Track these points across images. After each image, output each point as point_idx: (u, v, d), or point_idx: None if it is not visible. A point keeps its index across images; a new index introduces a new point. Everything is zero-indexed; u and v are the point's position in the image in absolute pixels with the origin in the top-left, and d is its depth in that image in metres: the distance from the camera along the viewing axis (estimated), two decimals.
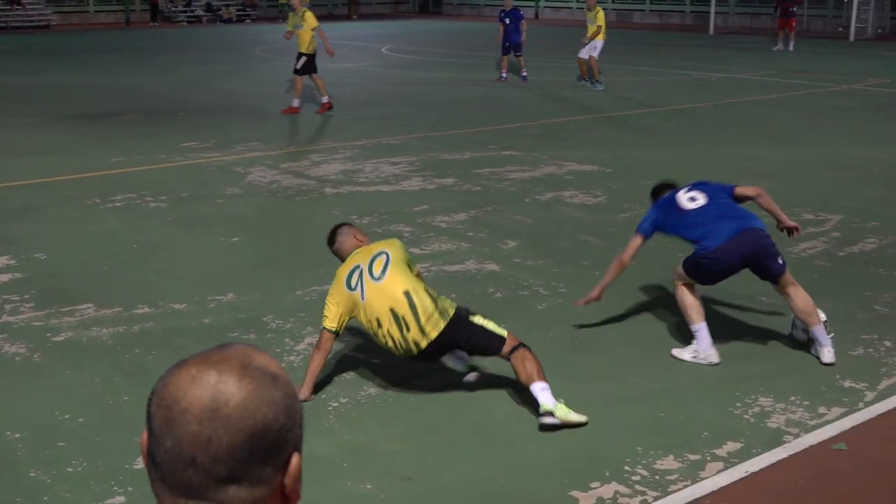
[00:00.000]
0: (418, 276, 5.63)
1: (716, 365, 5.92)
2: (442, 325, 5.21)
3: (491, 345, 5.24)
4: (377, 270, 5.30)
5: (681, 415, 5.27)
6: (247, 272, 7.78)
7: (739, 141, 13.84)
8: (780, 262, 5.93)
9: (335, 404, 5.42)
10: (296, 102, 16.37)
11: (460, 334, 5.25)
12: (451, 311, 5.29)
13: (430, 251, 8.29)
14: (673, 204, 6.23)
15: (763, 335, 6.46)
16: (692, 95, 18.81)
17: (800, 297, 5.94)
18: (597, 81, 19.64)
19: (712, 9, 38.33)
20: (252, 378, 1.20)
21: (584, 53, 19.98)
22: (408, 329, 5.19)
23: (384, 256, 5.36)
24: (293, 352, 6.13)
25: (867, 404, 5.41)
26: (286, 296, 7.17)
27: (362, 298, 5.27)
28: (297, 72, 16.38)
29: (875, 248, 8.42)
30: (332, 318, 5.34)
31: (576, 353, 6.14)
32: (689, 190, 6.27)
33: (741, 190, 6.32)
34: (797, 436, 5.03)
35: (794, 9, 29.09)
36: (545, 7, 51.68)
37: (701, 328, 6.00)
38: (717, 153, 12.85)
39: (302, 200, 10.29)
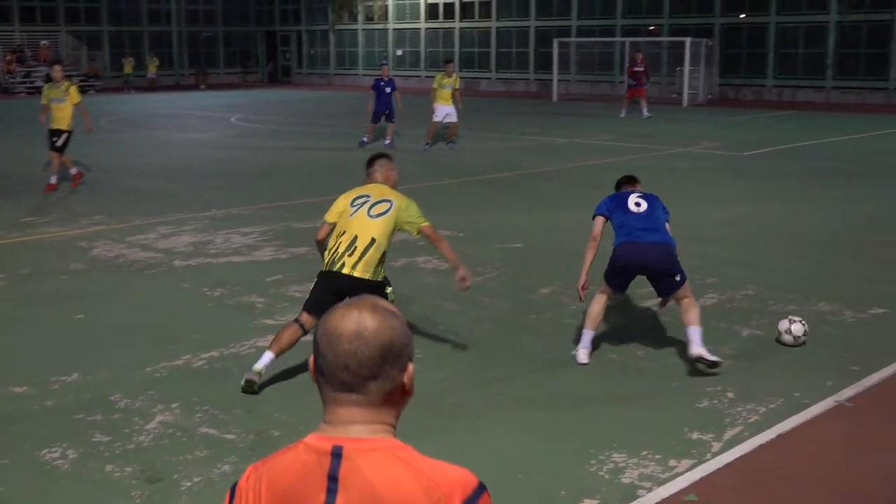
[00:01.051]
0: (418, 233, 6.81)
1: (583, 364, 6.92)
2: (366, 276, 6.51)
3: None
4: (375, 211, 6.66)
5: (538, 473, 5.32)
6: (93, 350, 7.49)
7: (585, 202, 14.25)
8: (678, 279, 6.97)
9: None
10: (53, 179, 15.43)
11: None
12: (379, 279, 6.64)
13: (284, 321, 8.18)
14: (623, 199, 7.29)
15: (618, 391, 6.62)
16: (540, 159, 19.35)
17: (690, 313, 6.95)
18: (451, 142, 21.05)
19: (555, 77, 39.80)
20: (380, 313, 1.84)
21: (452, 118, 20.90)
22: (350, 254, 6.55)
23: (388, 204, 6.69)
24: (143, 431, 5.90)
25: (714, 455, 5.59)
26: (135, 373, 6.93)
27: (350, 216, 6.66)
28: (57, 149, 15.26)
29: (715, 304, 8.78)
30: (331, 215, 6.79)
31: (434, 417, 6.13)
32: (641, 196, 7.31)
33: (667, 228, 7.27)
34: (650, 489, 5.15)
35: (644, 79, 30.10)
36: (395, 76, 52.52)
37: (586, 334, 7.09)
38: (565, 215, 13.21)
39: (150, 274, 10.02)
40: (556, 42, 41.12)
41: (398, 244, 11.25)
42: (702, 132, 24.91)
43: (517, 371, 7.01)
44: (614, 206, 7.29)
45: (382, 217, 6.63)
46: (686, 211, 13.65)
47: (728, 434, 5.87)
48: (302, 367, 6.81)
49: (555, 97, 38.77)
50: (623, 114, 30.05)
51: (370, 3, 54.07)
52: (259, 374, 6.51)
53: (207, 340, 7.71)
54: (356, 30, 55.15)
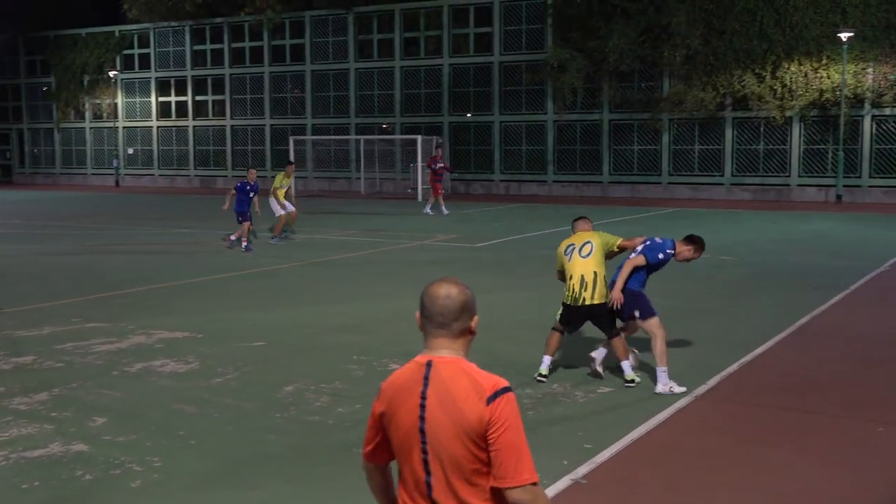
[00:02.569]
0: (619, 248, 9.27)
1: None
2: (602, 300, 8.93)
3: (604, 327, 9.14)
4: (584, 251, 9.02)
5: None
6: None
7: (328, 298, 14.30)
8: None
9: None
10: None
11: (597, 312, 9.03)
12: (603, 300, 8.97)
13: (7, 437, 7.56)
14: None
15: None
16: (278, 257, 19.24)
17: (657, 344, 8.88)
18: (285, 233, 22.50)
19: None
20: (459, 285, 3.17)
21: (281, 209, 21.75)
22: (585, 289, 8.92)
23: (590, 245, 9.03)
24: None
25: None
26: None
27: (569, 260, 9.06)
28: None
29: None
30: (558, 265, 9.34)
31: None
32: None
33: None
34: None
35: (442, 174, 29.94)
36: (125, 175, 50.93)
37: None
38: (308, 311, 13.16)
39: None
40: (291, 140, 41.53)
41: (133, 349, 10.77)
42: (437, 225, 25.75)
43: (261, 476, 6.82)
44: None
45: (594, 252, 8.97)
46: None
47: None
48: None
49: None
50: (427, 208, 29.77)
51: (98, 101, 52.46)
52: (545, 375, 9.21)
53: None
54: (83, 128, 53.21)
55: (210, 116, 48.94)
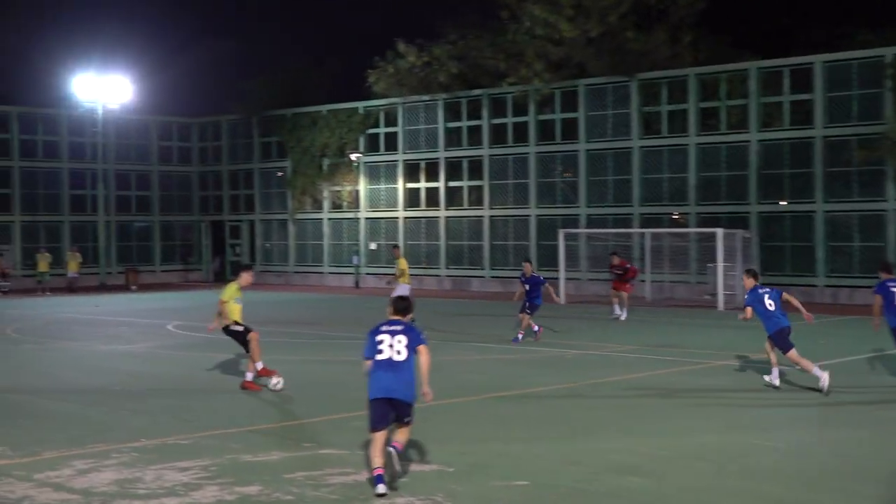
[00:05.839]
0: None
1: None
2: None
3: None
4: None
5: None
6: None
7: (604, 428, 14.19)
8: None
9: None
10: None
11: None
12: None
13: None
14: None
15: None
16: (547, 375, 19.36)
17: None
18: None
19: (562, 274, 40.31)
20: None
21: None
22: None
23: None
24: None
25: None
26: None
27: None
28: None
29: None
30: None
31: None
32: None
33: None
34: None
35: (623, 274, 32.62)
36: (366, 273, 53.11)
37: None
38: (580, 444, 13.11)
39: None
40: (561, 234, 41.95)
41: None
42: (746, 341, 25.06)
43: None
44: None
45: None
46: (726, 437, 13.56)
47: None
48: None
49: (562, 299, 39.19)
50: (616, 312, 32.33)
51: (338, 188, 55.18)
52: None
53: None
54: (321, 219, 56.08)
55: (465, 205, 50.45)
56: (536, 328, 25.71)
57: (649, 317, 33.45)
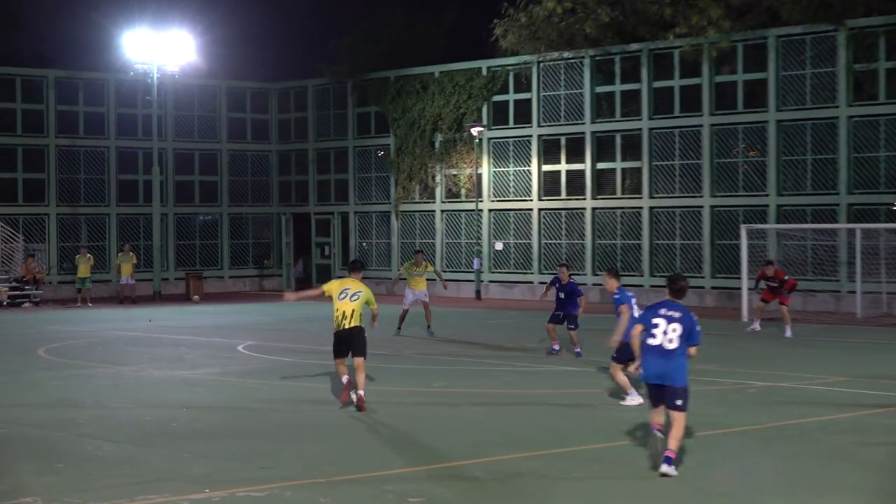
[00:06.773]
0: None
1: None
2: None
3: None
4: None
5: None
6: None
7: (801, 488, 13.98)
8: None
9: None
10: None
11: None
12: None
13: None
14: None
15: None
16: (727, 414, 19.12)
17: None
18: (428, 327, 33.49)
19: (744, 283, 39.66)
20: None
21: (408, 303, 33.64)
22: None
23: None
24: None
25: None
26: None
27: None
28: None
29: None
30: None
31: None
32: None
33: None
34: None
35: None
36: (489, 282, 52.86)
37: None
38: None
39: None
40: (743, 229, 41.26)
41: None
42: None
43: None
44: None
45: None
46: None
47: None
48: None
49: (745, 314, 38.63)
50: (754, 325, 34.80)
51: (455, 172, 54.88)
52: None
53: None
54: (433, 211, 55.86)
55: (618, 194, 49.95)
56: (557, 347, 27.87)
57: (858, 336, 32.87)
